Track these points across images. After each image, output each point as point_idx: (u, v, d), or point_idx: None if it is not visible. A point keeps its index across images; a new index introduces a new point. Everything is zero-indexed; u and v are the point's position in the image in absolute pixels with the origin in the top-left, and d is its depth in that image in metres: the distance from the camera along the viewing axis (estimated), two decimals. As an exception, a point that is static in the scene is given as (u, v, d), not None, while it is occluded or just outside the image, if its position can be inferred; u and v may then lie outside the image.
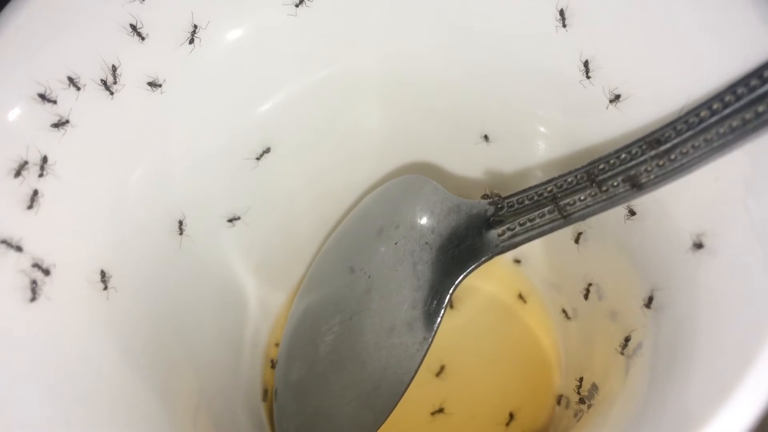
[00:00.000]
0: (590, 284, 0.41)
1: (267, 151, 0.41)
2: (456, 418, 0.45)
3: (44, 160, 0.32)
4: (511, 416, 0.44)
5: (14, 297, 0.30)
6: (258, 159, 0.41)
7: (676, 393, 0.28)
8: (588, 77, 0.34)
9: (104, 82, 0.34)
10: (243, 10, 0.36)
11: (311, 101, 0.41)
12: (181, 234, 0.38)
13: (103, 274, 0.34)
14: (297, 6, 0.37)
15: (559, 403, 0.44)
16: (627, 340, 0.36)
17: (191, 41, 0.35)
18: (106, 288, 0.34)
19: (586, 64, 0.34)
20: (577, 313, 0.44)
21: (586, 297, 0.41)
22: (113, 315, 0.34)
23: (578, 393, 0.39)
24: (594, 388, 0.38)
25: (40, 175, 0.32)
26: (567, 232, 0.38)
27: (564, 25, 0.34)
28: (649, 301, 0.34)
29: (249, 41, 0.37)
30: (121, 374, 0.33)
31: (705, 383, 0.26)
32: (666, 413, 0.28)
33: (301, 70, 0.40)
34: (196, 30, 0.35)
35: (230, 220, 0.42)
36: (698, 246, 0.31)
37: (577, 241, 0.40)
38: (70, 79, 0.32)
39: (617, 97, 0.34)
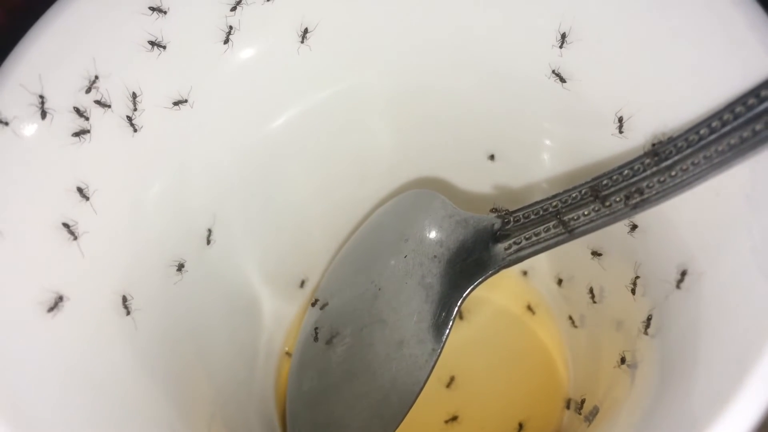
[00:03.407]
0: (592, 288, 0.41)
1: None
2: (466, 429, 0.46)
3: (79, 189, 0.33)
4: (521, 426, 0.45)
5: (35, 307, 0.31)
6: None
7: (681, 399, 0.29)
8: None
9: (129, 119, 0.34)
10: (254, 31, 0.37)
11: (321, 117, 0.42)
12: (209, 243, 0.39)
13: (125, 299, 0.34)
14: (301, 42, 0.38)
15: (568, 407, 0.44)
16: (623, 359, 0.36)
17: (226, 41, 0.36)
18: (128, 313, 0.34)
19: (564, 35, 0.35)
20: (584, 321, 0.44)
21: (592, 299, 0.41)
22: (128, 324, 0.34)
23: (580, 413, 0.40)
24: (595, 410, 0.38)
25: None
26: (574, 245, 0.39)
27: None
28: (647, 324, 0.34)
29: (261, 60, 0.38)
30: (136, 382, 0.34)
31: (707, 390, 0.27)
32: (671, 418, 0.29)
33: (312, 87, 0.41)
34: (232, 31, 0.36)
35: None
36: (684, 274, 0.32)
37: (594, 254, 0.41)
38: (98, 102, 0.33)
39: (620, 119, 0.34)
